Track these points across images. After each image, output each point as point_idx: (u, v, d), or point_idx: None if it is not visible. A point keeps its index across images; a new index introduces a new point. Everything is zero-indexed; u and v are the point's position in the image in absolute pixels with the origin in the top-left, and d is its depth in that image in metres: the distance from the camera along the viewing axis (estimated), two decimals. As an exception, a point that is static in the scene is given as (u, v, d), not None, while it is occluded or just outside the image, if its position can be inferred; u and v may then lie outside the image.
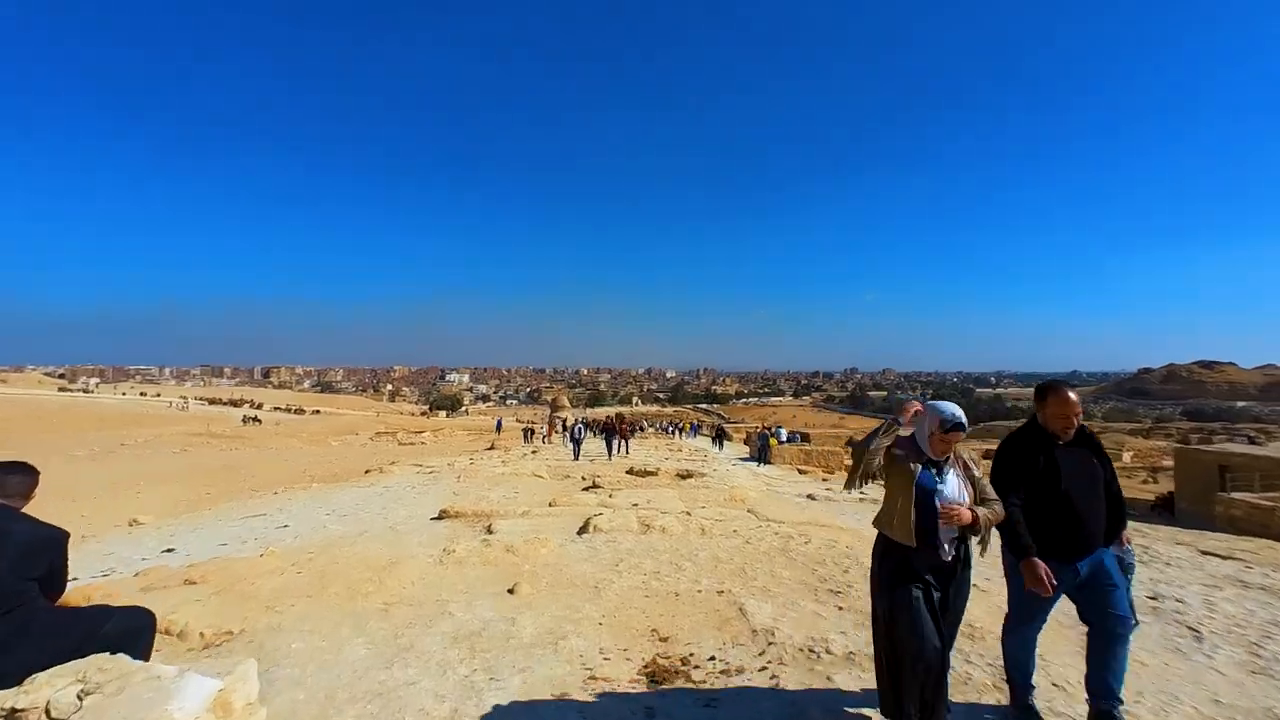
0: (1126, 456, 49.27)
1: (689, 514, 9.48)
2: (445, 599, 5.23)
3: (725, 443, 34.28)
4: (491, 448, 33.98)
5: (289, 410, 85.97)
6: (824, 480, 19.79)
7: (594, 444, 28.48)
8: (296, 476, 22.57)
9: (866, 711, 3.23)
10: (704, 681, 3.76)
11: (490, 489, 13.68)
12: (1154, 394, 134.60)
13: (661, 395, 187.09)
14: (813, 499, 13.41)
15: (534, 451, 28.58)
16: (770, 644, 4.29)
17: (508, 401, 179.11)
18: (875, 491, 16.06)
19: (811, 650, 4.11)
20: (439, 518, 9.58)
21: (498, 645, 4.22)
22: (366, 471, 20.28)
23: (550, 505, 10.63)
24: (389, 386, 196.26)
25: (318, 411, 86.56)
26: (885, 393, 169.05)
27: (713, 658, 4.13)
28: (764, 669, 3.91)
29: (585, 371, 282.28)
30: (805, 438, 40.69)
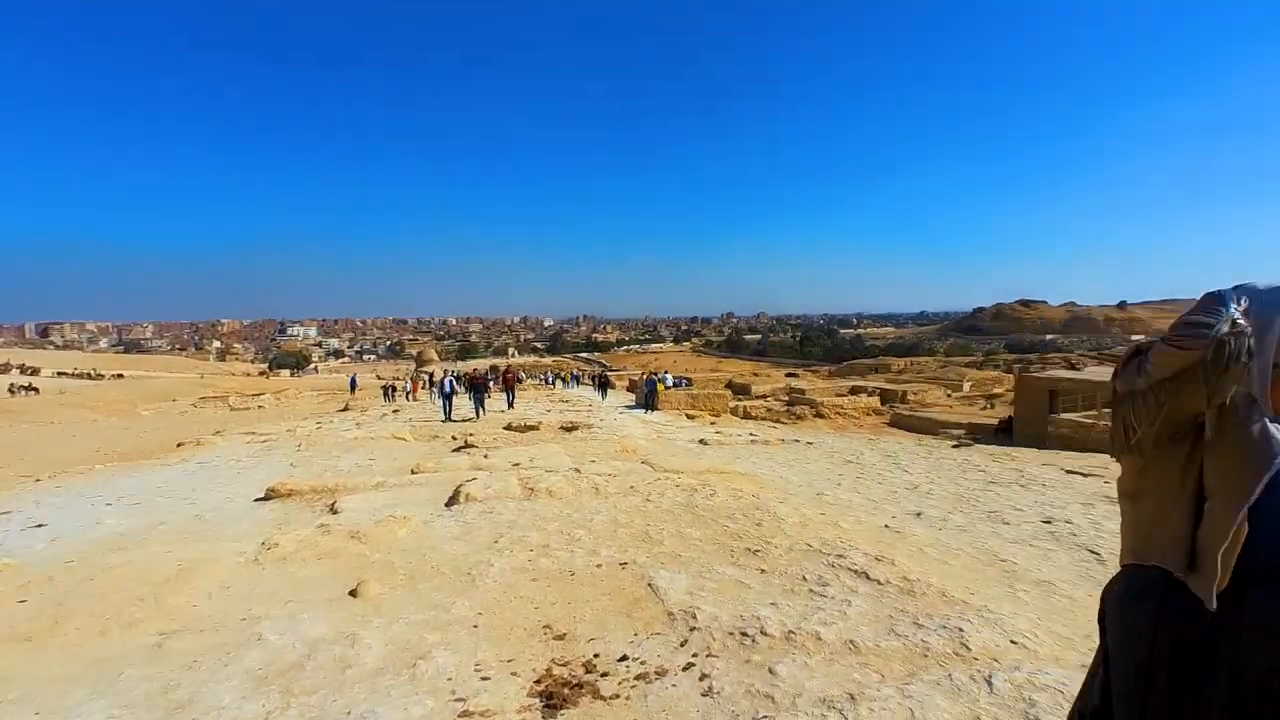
0: (966, 386, 56.24)
1: (579, 471, 8.66)
2: (257, 615, 3.96)
3: (609, 391, 34.00)
4: (345, 409, 30.87)
5: (80, 375, 72.70)
6: (712, 424, 20.00)
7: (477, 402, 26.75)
8: (87, 456, 18.69)
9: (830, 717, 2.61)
10: (617, 695, 2.96)
11: (339, 457, 11.93)
12: (985, 330, 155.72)
13: (540, 345, 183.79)
14: (705, 444, 13.23)
15: (395, 411, 26.24)
16: (693, 629, 3.60)
17: (365, 357, 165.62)
18: (765, 431, 16.37)
19: (744, 634, 3.47)
20: (266, 498, 7.93)
21: (328, 681, 3.12)
22: (179, 445, 17.17)
23: (413, 473, 9.30)
24: (216, 343, 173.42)
25: (120, 375, 74.13)
26: (759, 335, 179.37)
27: (624, 657, 3.35)
28: (690, 666, 3.19)
29: (454, 321, 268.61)
30: (689, 382, 41.60)
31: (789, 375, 66.82)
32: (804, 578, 4.35)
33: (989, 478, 8.84)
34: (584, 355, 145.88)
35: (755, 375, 67.04)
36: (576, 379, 49.23)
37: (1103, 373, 26.55)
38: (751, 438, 14.18)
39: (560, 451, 10.94)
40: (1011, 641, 3.26)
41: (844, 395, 39.64)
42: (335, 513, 6.68)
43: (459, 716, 2.82)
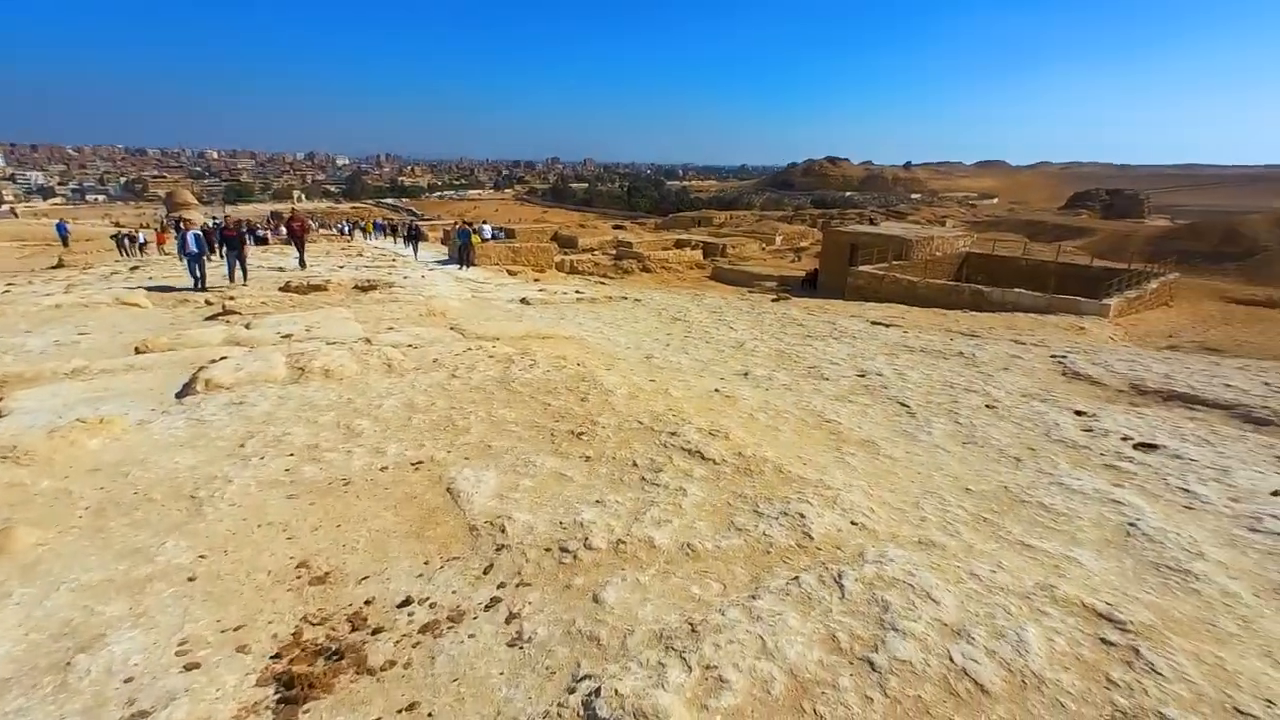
0: (778, 240, 60.78)
1: (369, 342, 7.32)
2: None
3: (421, 244, 30.55)
4: (59, 266, 24.27)
5: None
6: (536, 280, 18.91)
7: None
8: None
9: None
10: (392, 663, 2.24)
11: (28, 333, 9.01)
12: (797, 186, 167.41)
13: (334, 188, 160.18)
14: (527, 304, 12.27)
15: (135, 269, 21.06)
16: (500, 548, 2.94)
17: (89, 197, 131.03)
18: (593, 288, 15.73)
19: (564, 549, 2.89)
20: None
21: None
22: None
23: (138, 352, 7.21)
24: None
25: None
26: (586, 184, 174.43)
27: (408, 600, 2.61)
28: (495, 603, 2.56)
29: (216, 156, 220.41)
30: (510, 234, 39.19)
31: (616, 228, 66.45)
32: (635, 463, 3.88)
33: (806, 332, 9.21)
34: (389, 201, 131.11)
35: (582, 227, 65.63)
36: (381, 229, 43.71)
37: (896, 228, 29.72)
38: (578, 295, 13.51)
39: (349, 318, 9.29)
40: (852, 523, 3.07)
41: (669, 249, 40.42)
42: (-9, 419, 4.79)
43: (133, 746, 1.90)
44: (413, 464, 3.94)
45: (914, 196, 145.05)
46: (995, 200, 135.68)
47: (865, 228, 30.90)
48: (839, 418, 5.12)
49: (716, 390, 5.81)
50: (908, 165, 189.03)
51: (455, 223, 26.89)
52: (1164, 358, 7.53)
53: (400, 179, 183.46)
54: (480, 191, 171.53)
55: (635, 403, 5.10)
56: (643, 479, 3.65)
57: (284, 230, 18.33)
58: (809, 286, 27.00)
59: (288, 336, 7.93)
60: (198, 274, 12.82)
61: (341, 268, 18.19)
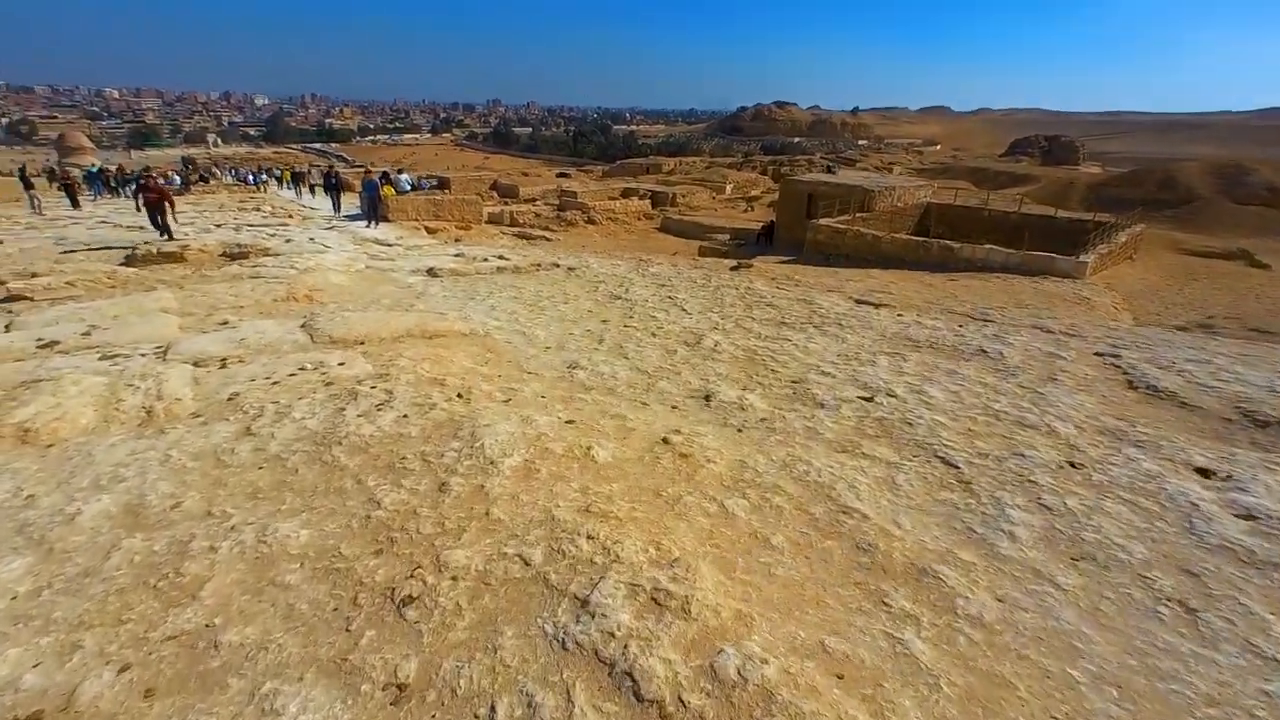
0: (729, 189, 58.28)
1: (163, 357, 4.89)
2: None
3: (342, 196, 26.43)
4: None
5: None
6: (458, 240, 16.24)
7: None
8: None
9: None
10: None
11: None
12: (746, 131, 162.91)
13: (253, 131, 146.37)
14: (434, 276, 9.84)
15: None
16: None
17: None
18: (522, 251, 13.29)
19: None
20: None
21: None
22: None
23: None
24: None
25: None
26: (530, 129, 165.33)
27: None
28: None
29: (116, 95, 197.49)
30: (444, 184, 35.49)
31: (560, 176, 62.59)
32: (492, 710, 1.83)
33: (779, 316, 7.22)
34: (316, 147, 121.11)
35: (524, 175, 61.46)
36: (299, 179, 38.76)
37: (856, 177, 27.86)
38: (500, 263, 11.10)
39: (166, 309, 6.73)
40: None
41: (616, 199, 37.60)
42: None
43: None
44: (0, 740, 1.78)
45: (860, 142, 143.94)
46: (939, 146, 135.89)
47: (824, 176, 28.96)
48: (859, 499, 3.18)
49: (666, 440, 3.77)
50: (855, 111, 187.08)
51: (364, 171, 23.40)
52: (1232, 350, 5.90)
53: (328, 121, 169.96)
54: (417, 136, 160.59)
55: (530, 492, 3.02)
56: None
57: (140, 195, 13.65)
58: (764, 240, 25.05)
59: (48, 346, 5.41)
60: None
61: (219, 227, 15.07)
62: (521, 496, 2.99)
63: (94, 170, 32.52)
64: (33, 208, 22.13)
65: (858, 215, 20.99)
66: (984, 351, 5.75)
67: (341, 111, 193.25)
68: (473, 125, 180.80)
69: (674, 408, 4.55)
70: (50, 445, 3.49)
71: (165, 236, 12.72)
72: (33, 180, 23.49)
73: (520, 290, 8.98)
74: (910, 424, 4.17)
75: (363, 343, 5.59)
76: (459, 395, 4.26)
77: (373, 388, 4.28)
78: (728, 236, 27.49)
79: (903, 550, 2.77)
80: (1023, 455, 3.68)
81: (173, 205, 13.52)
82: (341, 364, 4.78)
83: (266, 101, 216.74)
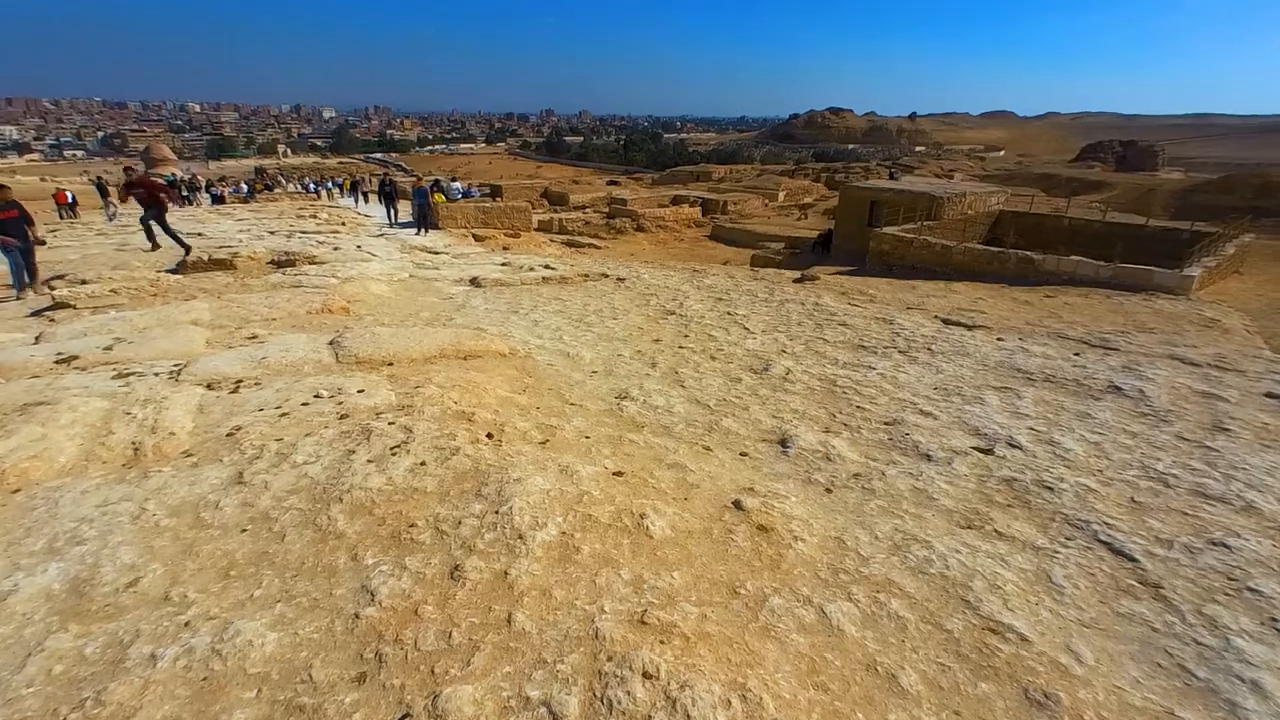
0: (781, 195, 56.82)
1: (176, 378, 4.43)
2: None
3: (396, 203, 26.54)
4: None
5: None
6: (506, 249, 15.84)
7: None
8: None
9: None
10: None
11: None
12: (798, 138, 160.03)
13: (320, 142, 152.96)
14: (477, 286, 9.33)
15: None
16: None
17: (67, 153, 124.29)
18: (569, 261, 12.71)
19: None
20: None
21: None
22: None
23: None
24: None
25: None
26: (581, 137, 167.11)
27: None
28: None
29: (198, 108, 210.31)
30: (495, 191, 35.64)
31: (610, 183, 62.44)
32: None
33: (856, 337, 6.32)
34: (378, 156, 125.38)
35: (575, 183, 61.61)
36: (356, 187, 39.78)
37: (920, 183, 26.40)
38: (546, 272, 10.54)
39: (196, 322, 6.35)
40: None
41: (666, 206, 36.96)
42: None
43: None
44: None
45: (918, 149, 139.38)
46: (1002, 152, 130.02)
47: (886, 183, 27.51)
48: (1009, 609, 2.33)
49: (738, 505, 2.99)
50: (913, 116, 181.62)
51: (415, 180, 23.44)
52: None
53: (389, 133, 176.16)
54: (472, 146, 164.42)
55: (567, 584, 2.29)
56: None
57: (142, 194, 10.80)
58: (821, 249, 23.87)
59: (65, 361, 5.05)
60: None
61: (272, 234, 15.11)
62: (555, 592, 2.27)
63: (171, 180, 34.22)
64: (108, 215, 23.14)
65: (924, 223, 19.64)
66: (1117, 388, 4.73)
67: (402, 123, 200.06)
68: (526, 135, 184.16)
69: (743, 454, 3.76)
70: (16, 490, 2.99)
71: (152, 247, 10.91)
72: (109, 189, 24.53)
73: (566, 303, 8.35)
74: (1049, 488, 3.26)
75: (390, 364, 5.02)
76: (488, 435, 3.59)
77: (390, 423, 3.66)
78: (782, 245, 26.42)
79: (1097, 708, 1.91)
80: (1225, 546, 2.74)
81: (165, 207, 11.04)
82: (361, 391, 4.19)
83: (333, 114, 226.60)
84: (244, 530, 2.67)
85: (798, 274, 10.52)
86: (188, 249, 10.58)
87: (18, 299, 8.14)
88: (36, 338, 5.92)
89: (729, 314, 7.46)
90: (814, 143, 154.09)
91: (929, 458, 3.65)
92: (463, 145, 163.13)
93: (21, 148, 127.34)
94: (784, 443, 3.90)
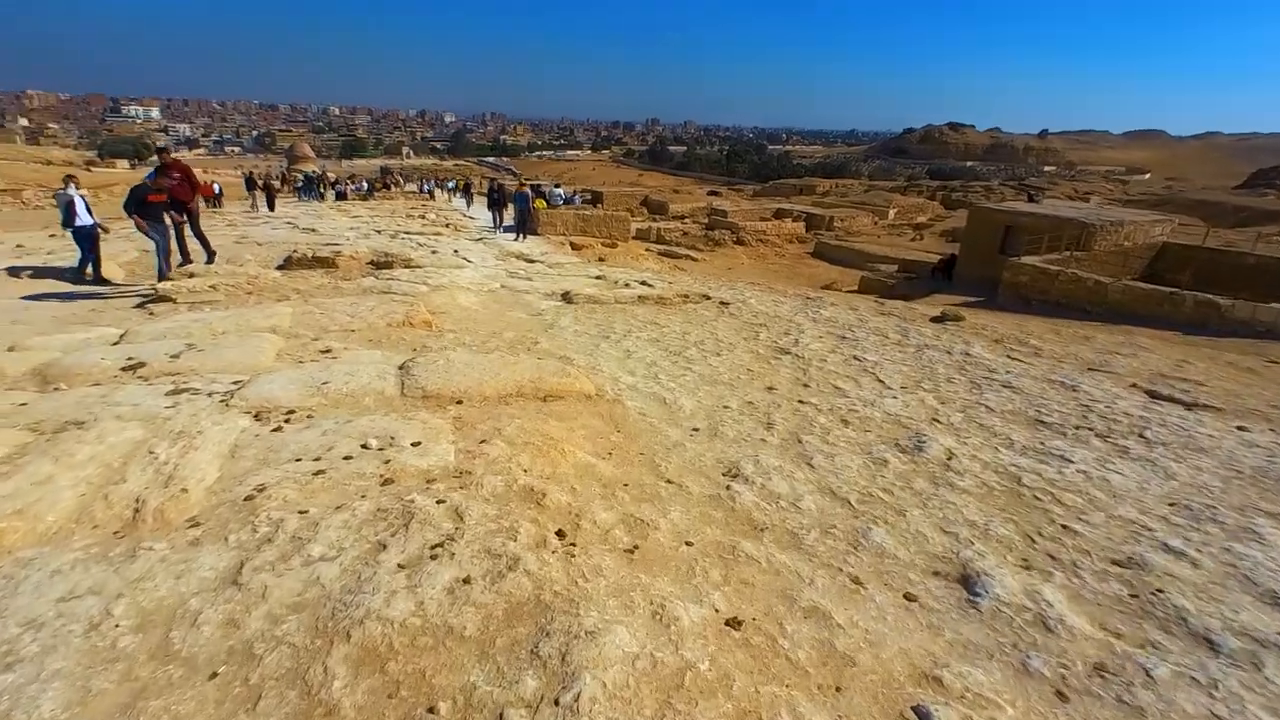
0: (892, 213, 53.40)
1: (226, 402, 3.87)
2: None
3: (504, 209, 26.64)
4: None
5: None
6: (600, 260, 15.21)
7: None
8: None
9: None
10: None
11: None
12: (912, 153, 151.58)
13: (439, 145, 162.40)
14: (568, 302, 8.62)
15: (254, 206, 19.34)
16: None
17: (227, 149, 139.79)
18: (666, 277, 11.69)
19: None
20: None
21: None
22: None
23: None
24: (23, 120, 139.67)
25: None
26: (685, 147, 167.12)
27: None
28: None
29: (337, 112, 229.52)
30: (597, 198, 35.52)
31: (711, 194, 61.39)
32: None
33: (1030, 407, 4.93)
34: (490, 160, 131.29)
35: (676, 192, 61.10)
36: (467, 190, 41.13)
37: (1065, 207, 23.49)
38: (643, 290, 9.69)
39: (272, 330, 5.96)
40: None
41: (767, 220, 35.39)
42: None
43: None
44: None
45: (1047, 169, 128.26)
46: (1148, 175, 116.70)
47: (1025, 206, 24.69)
48: None
49: (922, 713, 1.89)
50: (1043, 134, 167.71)
51: (515, 185, 23.43)
52: None
53: (503, 138, 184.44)
54: (578, 152, 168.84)
55: None
56: None
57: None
58: (942, 276, 21.60)
59: (131, 369, 4.70)
60: (89, 263, 8.70)
61: (379, 233, 15.30)
62: None
63: (311, 175, 37.06)
64: (251, 207, 24.92)
65: (1072, 254, 17.14)
66: None
67: (515, 129, 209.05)
68: (631, 143, 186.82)
69: (909, 598, 2.62)
70: (-15, 562, 2.41)
71: (184, 260, 9.00)
72: (256, 183, 26.42)
73: (663, 329, 7.42)
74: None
75: (459, 401, 4.27)
76: (559, 534, 2.68)
77: (439, 501, 2.84)
78: (895, 268, 24.29)
79: None
80: None
81: (195, 209, 9.07)
82: (416, 445, 3.42)
83: (453, 119, 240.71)
84: (213, 676, 1.89)
85: (936, 311, 9.00)
86: (212, 254, 9.59)
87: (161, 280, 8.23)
88: (121, 335, 5.73)
89: (856, 359, 6.23)
90: (929, 159, 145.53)
91: (1213, 646, 2.36)
92: (569, 152, 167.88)
93: (191, 143, 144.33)
94: (967, 583, 2.73)
